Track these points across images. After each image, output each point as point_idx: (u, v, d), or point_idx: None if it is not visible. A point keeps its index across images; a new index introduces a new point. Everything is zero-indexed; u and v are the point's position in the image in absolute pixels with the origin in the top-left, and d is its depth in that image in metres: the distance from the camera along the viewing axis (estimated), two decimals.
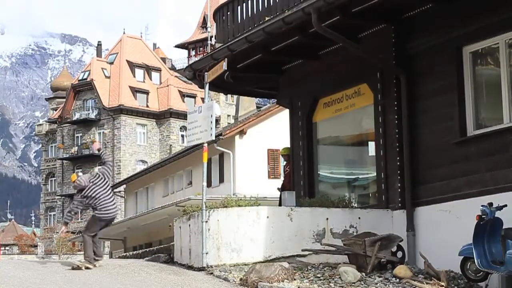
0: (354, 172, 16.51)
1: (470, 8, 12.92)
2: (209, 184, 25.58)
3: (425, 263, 12.39)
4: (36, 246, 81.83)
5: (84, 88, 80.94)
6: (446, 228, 12.95)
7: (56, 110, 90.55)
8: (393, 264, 12.92)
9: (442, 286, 11.67)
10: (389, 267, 12.87)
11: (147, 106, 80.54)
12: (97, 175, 13.89)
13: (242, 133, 35.24)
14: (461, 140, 13.00)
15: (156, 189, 45.79)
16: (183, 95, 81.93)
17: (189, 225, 14.64)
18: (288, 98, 17.75)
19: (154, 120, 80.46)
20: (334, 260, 13.44)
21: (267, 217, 13.89)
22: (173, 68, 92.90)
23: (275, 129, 31.91)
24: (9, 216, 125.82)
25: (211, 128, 14.14)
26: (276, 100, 20.78)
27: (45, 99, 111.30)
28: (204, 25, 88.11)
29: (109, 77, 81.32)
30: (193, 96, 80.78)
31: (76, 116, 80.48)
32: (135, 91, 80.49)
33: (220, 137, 33.76)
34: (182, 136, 78.06)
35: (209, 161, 32.30)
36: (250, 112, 37.68)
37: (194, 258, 14.19)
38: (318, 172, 16.80)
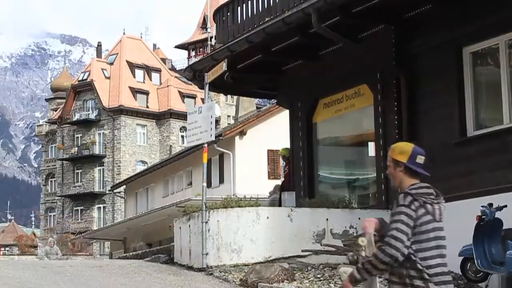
0: (354, 172, 16.51)
1: (470, 8, 12.91)
2: (209, 185, 25.50)
3: None
4: (36, 246, 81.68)
5: (84, 88, 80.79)
6: (446, 228, 12.89)
7: (56, 111, 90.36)
8: None
9: None
10: None
11: (147, 106, 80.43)
12: None
13: (242, 133, 35.19)
14: (461, 140, 12.99)
15: (156, 189, 45.76)
16: (183, 95, 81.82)
17: (189, 226, 14.63)
18: (288, 99, 17.75)
19: (154, 120, 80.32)
20: (334, 261, 13.42)
21: (267, 217, 13.88)
22: (173, 68, 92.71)
23: (275, 129, 31.81)
24: (9, 216, 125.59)
25: (211, 129, 14.14)
26: (276, 101, 20.78)
27: (45, 99, 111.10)
28: (204, 25, 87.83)
29: (109, 78, 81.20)
30: (193, 97, 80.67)
31: (76, 116, 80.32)
32: (135, 91, 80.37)
33: (220, 137, 33.71)
34: (182, 136, 77.92)
35: (209, 161, 32.24)
36: (250, 113, 37.62)
37: (194, 259, 14.18)
38: (318, 173, 16.79)
